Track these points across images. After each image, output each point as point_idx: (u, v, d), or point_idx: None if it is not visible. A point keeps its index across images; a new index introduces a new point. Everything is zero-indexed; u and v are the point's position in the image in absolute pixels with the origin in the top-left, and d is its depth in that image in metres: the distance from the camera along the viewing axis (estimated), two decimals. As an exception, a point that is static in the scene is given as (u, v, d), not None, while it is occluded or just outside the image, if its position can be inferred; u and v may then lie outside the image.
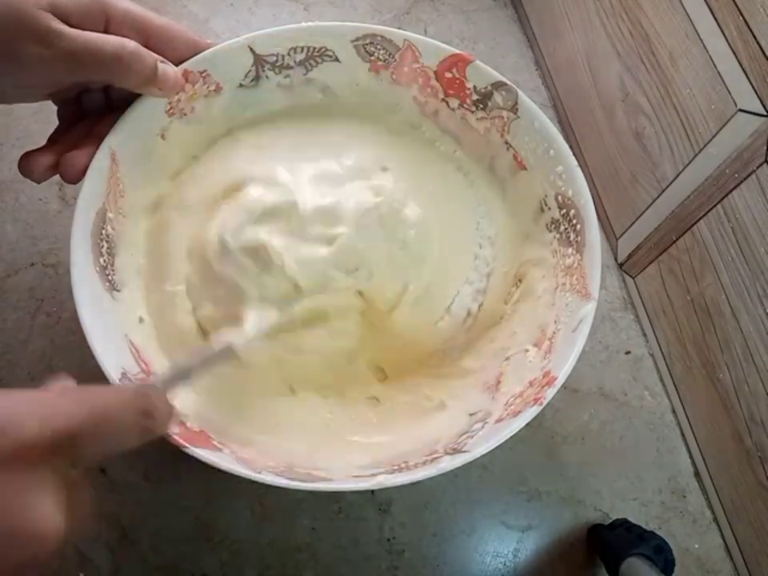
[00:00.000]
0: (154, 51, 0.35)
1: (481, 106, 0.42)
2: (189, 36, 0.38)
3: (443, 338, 0.41)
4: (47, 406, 0.20)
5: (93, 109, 0.37)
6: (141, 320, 0.37)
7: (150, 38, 0.35)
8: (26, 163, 0.35)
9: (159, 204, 0.41)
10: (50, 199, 0.48)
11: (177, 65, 0.37)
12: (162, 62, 0.35)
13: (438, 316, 0.41)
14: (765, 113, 0.37)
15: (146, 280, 0.39)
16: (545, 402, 0.33)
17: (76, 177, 0.35)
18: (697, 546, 0.46)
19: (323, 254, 0.37)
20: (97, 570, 0.40)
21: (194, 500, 0.42)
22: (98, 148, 0.35)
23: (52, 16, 0.30)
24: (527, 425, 0.32)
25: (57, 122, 0.37)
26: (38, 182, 0.35)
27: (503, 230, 0.44)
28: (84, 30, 0.31)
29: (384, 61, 0.43)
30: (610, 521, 0.45)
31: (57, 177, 0.35)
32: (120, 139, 0.37)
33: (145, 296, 0.39)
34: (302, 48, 0.42)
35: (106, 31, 0.33)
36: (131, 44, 0.33)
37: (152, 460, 0.42)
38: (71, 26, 0.31)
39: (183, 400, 0.35)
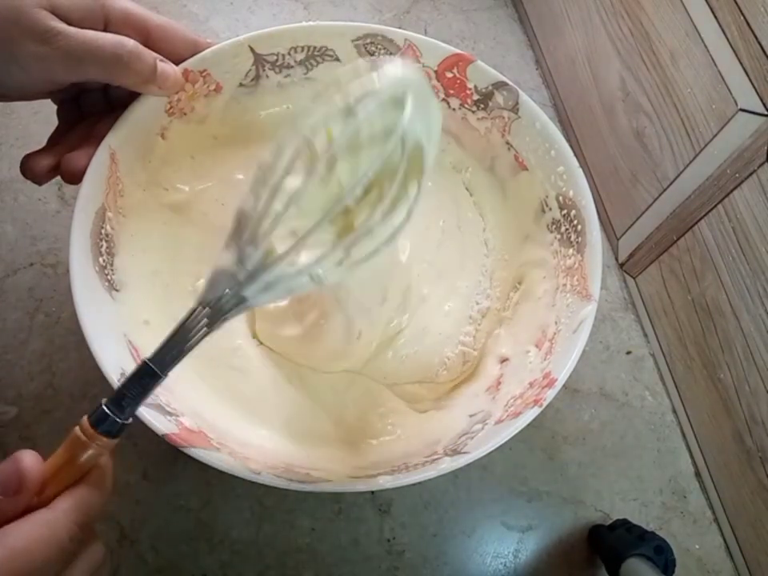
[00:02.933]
0: (153, 50, 0.35)
1: (482, 106, 0.42)
2: (188, 35, 0.38)
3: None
4: None
5: (92, 109, 0.37)
6: (146, 322, 0.37)
7: (149, 37, 0.35)
8: (27, 165, 0.34)
9: (177, 209, 0.41)
10: (50, 199, 0.48)
11: (176, 64, 0.37)
12: (161, 60, 0.35)
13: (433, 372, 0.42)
14: (766, 112, 0.37)
15: (165, 283, 0.40)
16: (545, 404, 0.33)
17: (77, 178, 0.35)
18: (697, 546, 0.46)
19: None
20: (96, 570, 0.39)
21: (193, 500, 0.42)
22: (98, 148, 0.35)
23: (51, 15, 0.30)
24: (527, 425, 0.32)
25: (56, 123, 0.37)
26: (40, 184, 0.35)
27: (504, 230, 0.44)
28: (84, 29, 0.31)
29: None
30: (611, 521, 0.45)
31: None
32: (120, 138, 0.36)
33: (159, 297, 0.39)
34: (303, 47, 0.42)
35: (105, 30, 0.33)
36: (130, 42, 0.33)
37: (151, 460, 0.42)
38: (71, 25, 0.31)
39: (182, 398, 0.35)
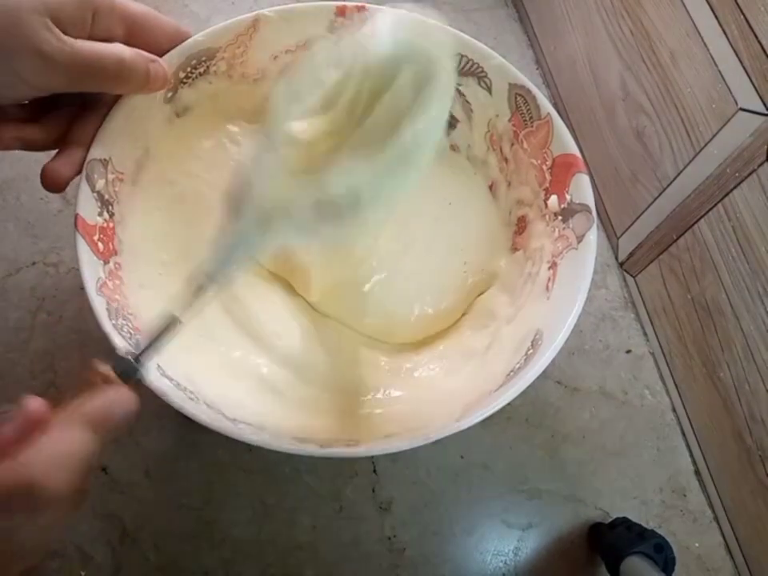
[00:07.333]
0: (136, 40, 0.34)
1: None
2: (170, 24, 0.36)
3: None
4: None
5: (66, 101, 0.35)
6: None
7: (133, 27, 0.34)
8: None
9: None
10: (51, 198, 0.48)
11: (159, 54, 0.36)
12: (152, 61, 0.34)
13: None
14: (766, 112, 0.37)
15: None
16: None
17: (59, 189, 0.33)
18: (697, 544, 0.46)
19: None
20: (98, 568, 0.40)
21: (195, 498, 0.42)
22: (79, 155, 0.34)
23: (50, 23, 0.29)
24: (528, 424, 0.32)
25: (53, 119, 0.36)
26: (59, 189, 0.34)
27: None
28: (75, 27, 0.31)
29: None
30: (611, 519, 0.45)
31: (55, 174, 0.34)
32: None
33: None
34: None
35: (92, 23, 0.32)
36: (128, 54, 0.32)
37: (153, 459, 0.42)
38: (65, 26, 0.30)
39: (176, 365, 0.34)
